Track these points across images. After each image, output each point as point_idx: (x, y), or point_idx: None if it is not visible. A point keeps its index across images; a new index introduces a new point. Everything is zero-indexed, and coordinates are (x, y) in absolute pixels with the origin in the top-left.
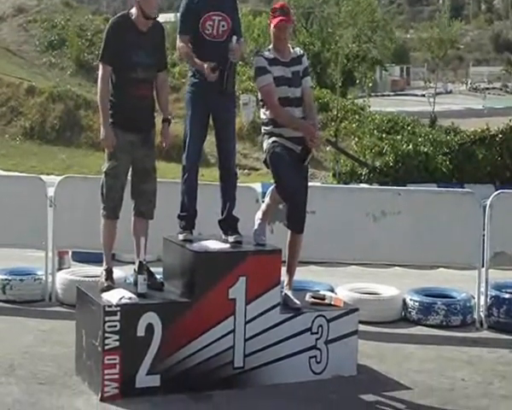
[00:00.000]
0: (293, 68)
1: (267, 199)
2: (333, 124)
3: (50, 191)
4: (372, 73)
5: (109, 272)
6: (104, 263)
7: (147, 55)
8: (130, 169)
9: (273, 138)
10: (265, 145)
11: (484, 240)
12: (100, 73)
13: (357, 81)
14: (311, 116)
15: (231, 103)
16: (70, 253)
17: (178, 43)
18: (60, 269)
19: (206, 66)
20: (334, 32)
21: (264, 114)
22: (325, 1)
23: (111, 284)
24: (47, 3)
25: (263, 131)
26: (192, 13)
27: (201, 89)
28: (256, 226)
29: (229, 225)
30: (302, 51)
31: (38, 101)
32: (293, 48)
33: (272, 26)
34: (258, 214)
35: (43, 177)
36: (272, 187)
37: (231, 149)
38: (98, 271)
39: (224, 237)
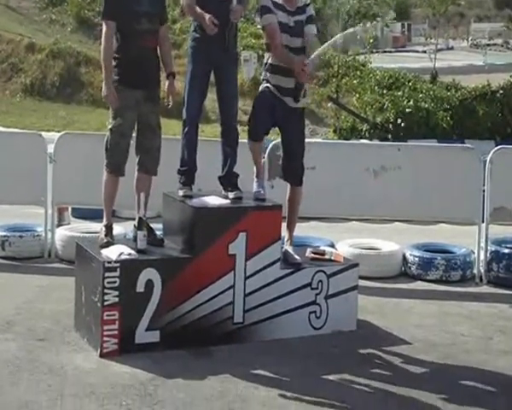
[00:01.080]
0: (296, 18)
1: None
2: (334, 80)
3: (50, 148)
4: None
5: (109, 228)
6: (104, 219)
7: (150, 3)
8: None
9: (267, 85)
10: (260, 87)
11: (484, 195)
12: (103, 30)
13: (358, 37)
14: (307, 55)
15: (233, 61)
16: (69, 209)
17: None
18: (59, 225)
19: (207, 17)
20: None
21: (266, 59)
22: None
23: (110, 240)
24: None
25: (262, 75)
26: None
27: (203, 44)
28: (254, 183)
29: (229, 181)
30: (309, 1)
31: (39, 58)
32: None
33: None
34: (254, 171)
35: (43, 133)
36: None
37: (233, 105)
38: (98, 227)
39: (224, 193)
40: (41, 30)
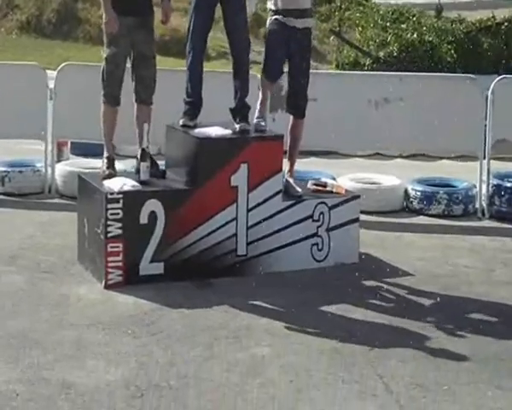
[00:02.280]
0: None
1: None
2: (336, 14)
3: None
4: None
5: (111, 160)
6: (105, 151)
7: None
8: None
9: (275, 17)
10: (267, 21)
11: (486, 129)
12: None
13: None
14: None
15: None
16: (69, 145)
17: None
18: (58, 161)
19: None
20: None
21: None
22: None
23: (112, 171)
24: None
25: (267, 5)
26: None
27: None
28: (256, 113)
29: (240, 112)
30: None
31: None
32: None
33: None
34: (258, 102)
35: None
36: None
37: (242, 37)
38: (98, 163)
39: (234, 124)
40: None
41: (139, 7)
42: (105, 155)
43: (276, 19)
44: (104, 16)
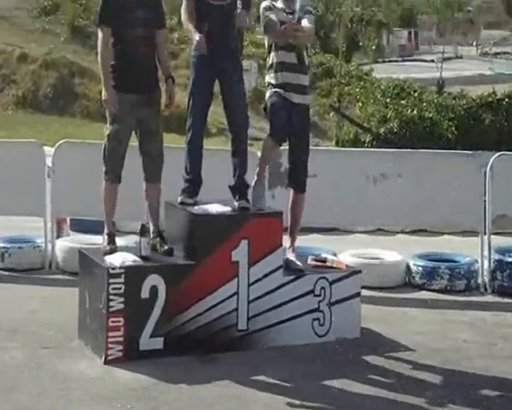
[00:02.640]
0: (295, 16)
1: (261, 151)
2: (336, 89)
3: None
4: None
5: (111, 236)
6: (106, 227)
7: (145, 10)
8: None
9: (275, 90)
10: (267, 94)
11: (485, 204)
12: (99, 36)
13: (361, 44)
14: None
15: (238, 67)
16: (68, 222)
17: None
18: (58, 238)
19: (197, 37)
20: None
21: (270, 60)
22: None
23: (113, 247)
24: None
25: (266, 79)
26: None
27: (203, 52)
28: (253, 190)
29: (238, 190)
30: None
31: (31, 68)
32: None
33: None
34: (255, 176)
35: None
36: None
37: (240, 112)
38: (98, 239)
39: (234, 201)
40: (34, 40)
41: (145, 83)
42: (105, 231)
43: (275, 91)
44: (103, 94)
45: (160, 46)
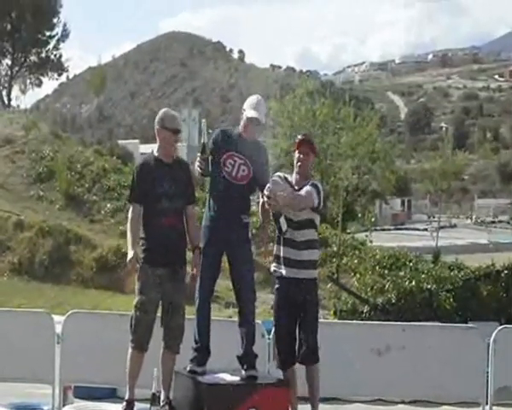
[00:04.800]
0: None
1: None
2: (334, 260)
3: None
4: (373, 207)
5: (130, 404)
6: (127, 394)
7: (170, 184)
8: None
9: (277, 286)
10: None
11: (487, 376)
12: (130, 210)
13: (359, 215)
14: None
15: (246, 240)
16: (72, 388)
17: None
18: (63, 405)
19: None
20: (334, 163)
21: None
22: (324, 132)
23: None
24: (35, 134)
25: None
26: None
27: (215, 223)
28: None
29: (246, 360)
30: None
31: (27, 235)
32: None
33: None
34: None
35: None
36: None
37: (247, 285)
38: (103, 406)
39: (242, 371)
40: (29, 207)
41: (172, 259)
42: (126, 397)
43: (278, 278)
44: (129, 254)
45: (189, 219)
